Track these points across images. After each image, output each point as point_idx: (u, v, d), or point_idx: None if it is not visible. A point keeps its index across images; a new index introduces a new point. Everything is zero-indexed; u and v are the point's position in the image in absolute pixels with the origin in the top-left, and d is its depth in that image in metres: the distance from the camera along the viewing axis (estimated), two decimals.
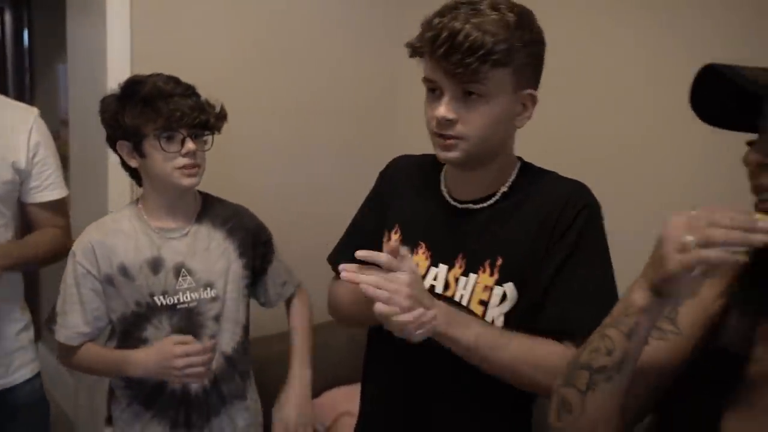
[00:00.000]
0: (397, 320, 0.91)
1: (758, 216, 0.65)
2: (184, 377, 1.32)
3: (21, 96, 3.32)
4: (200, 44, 2.05)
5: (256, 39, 2.18)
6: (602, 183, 1.12)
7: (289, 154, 2.31)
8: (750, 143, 0.72)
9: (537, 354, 1.00)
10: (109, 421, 1.50)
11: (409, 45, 1.02)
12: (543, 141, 1.43)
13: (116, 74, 1.90)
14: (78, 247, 1.40)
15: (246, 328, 1.52)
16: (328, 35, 2.30)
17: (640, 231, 1.03)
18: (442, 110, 1.00)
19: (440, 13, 0.98)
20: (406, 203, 1.18)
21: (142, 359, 1.34)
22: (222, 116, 1.42)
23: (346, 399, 2.08)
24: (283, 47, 2.25)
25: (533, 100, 1.04)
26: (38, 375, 1.61)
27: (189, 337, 1.33)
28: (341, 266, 0.95)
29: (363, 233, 1.23)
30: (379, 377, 1.24)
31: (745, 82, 0.62)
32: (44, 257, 1.54)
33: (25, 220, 1.58)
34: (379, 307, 0.91)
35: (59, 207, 1.60)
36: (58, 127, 2.84)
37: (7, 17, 3.55)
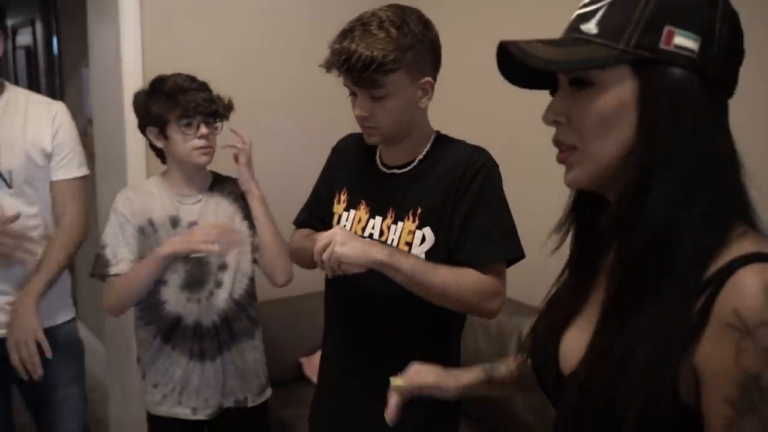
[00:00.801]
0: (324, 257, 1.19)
1: None
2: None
3: (52, 98, 3.63)
4: (203, 46, 2.33)
5: (254, 39, 2.45)
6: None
7: (288, 143, 2.56)
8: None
9: (459, 277, 1.25)
10: (139, 361, 1.79)
11: (323, 65, 1.30)
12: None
13: (130, 74, 2.20)
14: (118, 202, 1.71)
15: (251, 279, 1.79)
16: (324, 33, 2.56)
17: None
18: (357, 110, 1.30)
19: (340, 37, 1.26)
20: (352, 170, 1.45)
21: (168, 242, 1.63)
22: (229, 107, 1.74)
23: None
24: (281, 47, 2.51)
25: (431, 85, 1.30)
26: (74, 319, 1.88)
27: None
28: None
29: (318, 198, 1.51)
30: (332, 323, 1.50)
31: (531, 61, 0.69)
32: (68, 259, 1.79)
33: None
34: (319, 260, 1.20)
35: (76, 187, 1.84)
36: (85, 125, 3.14)
37: (38, 26, 3.90)
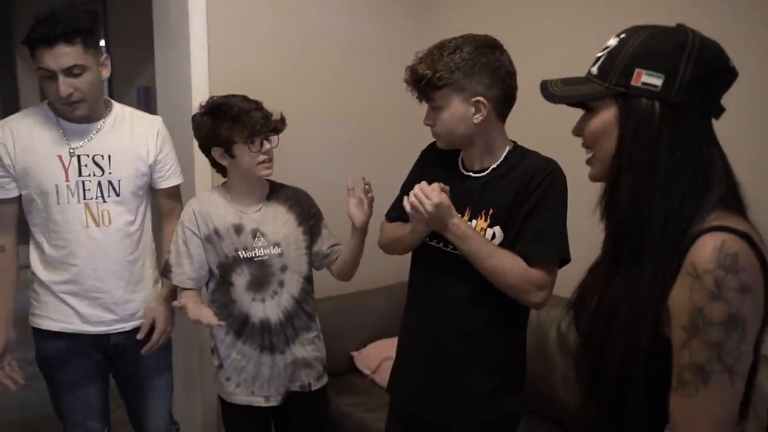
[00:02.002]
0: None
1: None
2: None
3: None
4: (260, 67, 2.56)
5: (307, 58, 2.68)
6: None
7: (334, 152, 2.79)
8: None
9: (511, 265, 1.47)
10: (212, 352, 1.98)
11: (405, 82, 1.55)
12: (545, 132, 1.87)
13: (198, 93, 2.42)
14: (184, 215, 1.90)
15: (309, 279, 1.96)
16: (368, 48, 2.80)
17: None
18: (425, 120, 1.57)
19: (415, 59, 1.54)
20: (438, 171, 1.65)
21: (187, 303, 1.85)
22: (283, 121, 1.91)
23: (387, 348, 2.53)
24: (332, 63, 2.74)
25: (483, 104, 1.49)
26: None
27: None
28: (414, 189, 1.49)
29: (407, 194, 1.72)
30: (411, 303, 1.71)
31: (548, 97, 1.04)
32: None
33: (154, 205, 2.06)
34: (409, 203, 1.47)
35: (177, 192, 2.08)
36: None
37: None
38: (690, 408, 0.89)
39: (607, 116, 0.98)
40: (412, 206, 1.48)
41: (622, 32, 1.00)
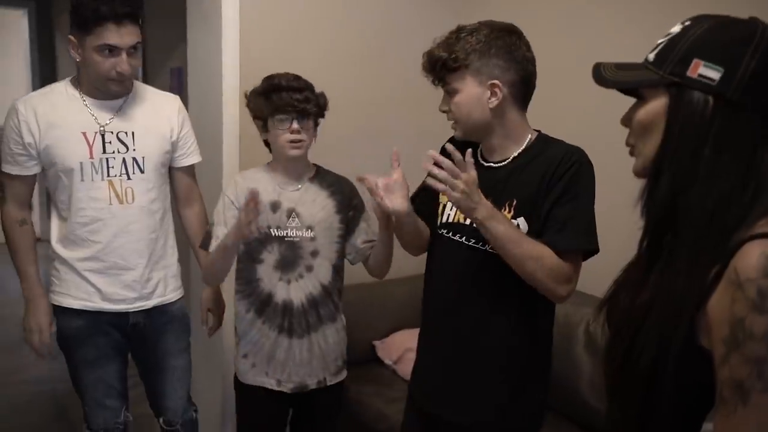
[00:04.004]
0: (450, 192, 1.34)
1: None
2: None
3: None
4: (292, 50, 2.52)
5: (340, 42, 2.64)
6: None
7: (362, 141, 2.73)
8: None
9: (540, 254, 1.39)
10: (236, 331, 1.96)
11: (423, 69, 1.51)
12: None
13: (229, 74, 2.40)
14: (227, 186, 1.92)
15: (339, 268, 1.93)
16: (402, 36, 2.73)
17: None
18: (441, 106, 1.52)
19: (433, 44, 1.48)
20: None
21: (228, 233, 1.77)
22: (323, 107, 1.87)
23: (409, 338, 2.43)
24: (364, 48, 2.70)
25: (499, 87, 1.44)
26: (183, 297, 2.07)
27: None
28: (430, 152, 1.39)
29: (426, 190, 1.62)
30: (430, 301, 1.66)
31: (599, 81, 0.96)
32: None
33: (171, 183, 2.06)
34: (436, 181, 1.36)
35: (194, 172, 2.08)
36: None
37: None
38: (728, 428, 0.81)
39: (655, 106, 0.91)
40: (444, 180, 1.36)
41: (687, 19, 0.92)
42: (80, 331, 1.91)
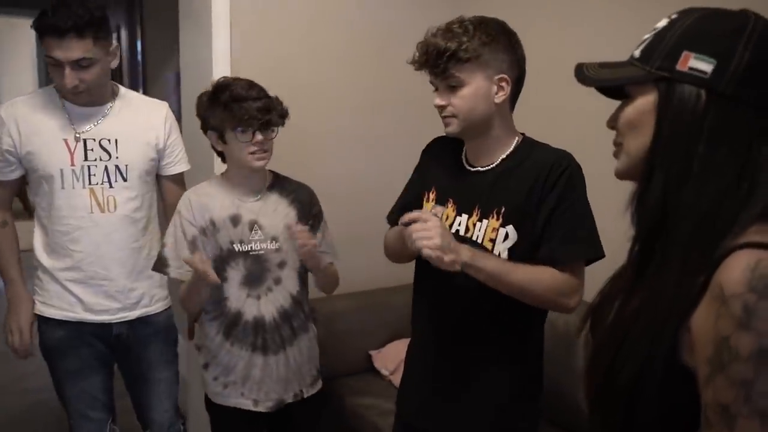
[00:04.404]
0: (428, 251, 1.26)
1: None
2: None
3: None
4: (284, 52, 2.47)
5: (330, 45, 2.58)
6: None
7: (356, 144, 2.68)
8: None
9: (538, 276, 1.34)
10: (199, 349, 1.85)
11: (410, 61, 1.42)
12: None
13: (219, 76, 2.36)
14: (181, 205, 1.79)
15: (304, 276, 1.85)
16: (392, 40, 2.68)
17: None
18: (436, 100, 1.43)
19: (426, 35, 1.40)
20: (440, 170, 1.54)
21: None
22: (282, 116, 1.74)
23: (406, 348, 2.45)
24: (354, 52, 2.63)
25: (507, 82, 1.39)
26: (170, 308, 2.02)
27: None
28: (402, 218, 1.32)
29: (410, 196, 1.61)
30: (419, 312, 1.60)
31: (583, 80, 0.90)
32: None
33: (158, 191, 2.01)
34: (417, 242, 1.26)
35: (182, 180, 2.02)
36: None
37: (123, 33, 4.14)
38: None
39: (643, 104, 0.85)
40: (434, 259, 1.27)
41: (674, 13, 0.86)
42: (62, 342, 1.87)
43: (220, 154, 1.82)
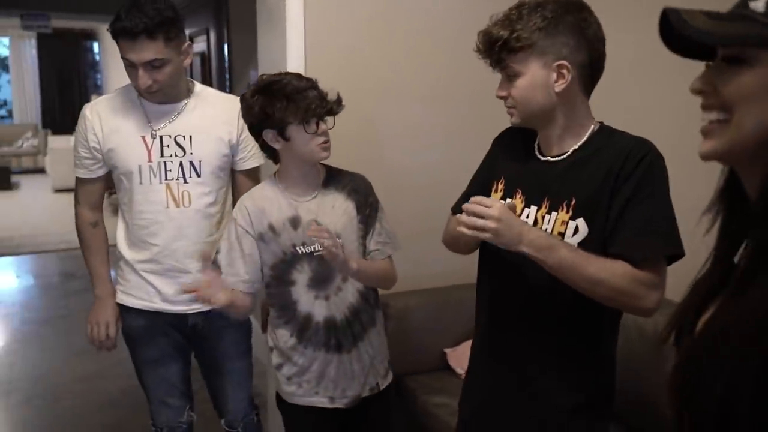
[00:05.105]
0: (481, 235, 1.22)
1: None
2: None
3: None
4: (357, 50, 2.47)
5: (400, 39, 2.55)
6: None
7: (429, 137, 2.64)
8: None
9: (611, 271, 1.24)
10: (272, 350, 1.83)
11: (476, 51, 1.36)
12: None
13: None
14: (236, 212, 1.76)
15: None
16: (463, 29, 2.61)
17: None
18: (497, 91, 1.37)
19: (489, 23, 1.34)
20: (510, 160, 1.48)
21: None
22: (339, 102, 1.70)
23: None
24: (424, 43, 2.59)
25: (567, 69, 1.30)
26: None
27: None
28: (464, 205, 1.27)
29: (477, 185, 1.55)
30: (482, 307, 1.54)
31: (687, 30, 0.69)
32: None
33: (233, 186, 2.03)
34: (466, 222, 1.23)
35: (256, 173, 2.04)
36: None
37: (212, 34, 4.30)
38: None
39: None
40: (472, 227, 1.24)
41: None
42: (142, 330, 1.95)
43: (273, 155, 1.77)
